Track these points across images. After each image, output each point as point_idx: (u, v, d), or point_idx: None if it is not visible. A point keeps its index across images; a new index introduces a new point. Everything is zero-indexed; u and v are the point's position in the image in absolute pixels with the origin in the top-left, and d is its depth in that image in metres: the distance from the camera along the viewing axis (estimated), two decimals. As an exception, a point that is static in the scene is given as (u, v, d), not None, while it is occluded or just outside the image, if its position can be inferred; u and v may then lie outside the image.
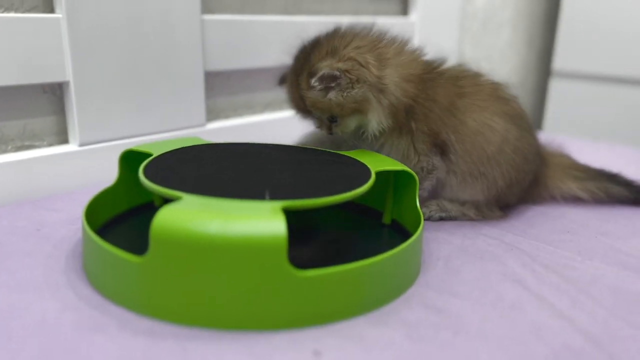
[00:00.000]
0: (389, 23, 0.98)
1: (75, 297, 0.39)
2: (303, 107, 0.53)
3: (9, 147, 0.63)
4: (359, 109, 0.51)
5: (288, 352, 0.34)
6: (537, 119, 1.52)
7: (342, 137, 0.56)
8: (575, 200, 0.64)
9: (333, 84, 0.49)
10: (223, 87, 0.82)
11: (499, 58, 1.40)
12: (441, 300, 0.40)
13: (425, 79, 0.53)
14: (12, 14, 0.59)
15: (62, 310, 0.37)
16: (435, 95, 0.52)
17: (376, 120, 0.51)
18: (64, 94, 0.65)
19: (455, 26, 1.16)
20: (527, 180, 0.58)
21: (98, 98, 0.65)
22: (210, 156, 0.49)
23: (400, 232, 0.51)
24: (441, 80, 0.54)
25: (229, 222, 0.35)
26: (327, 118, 0.53)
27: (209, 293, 0.35)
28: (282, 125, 0.86)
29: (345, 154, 0.52)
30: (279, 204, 0.37)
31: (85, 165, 0.66)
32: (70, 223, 0.52)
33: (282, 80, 0.57)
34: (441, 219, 0.56)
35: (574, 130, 1.33)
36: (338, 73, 0.49)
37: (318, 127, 0.55)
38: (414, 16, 1.05)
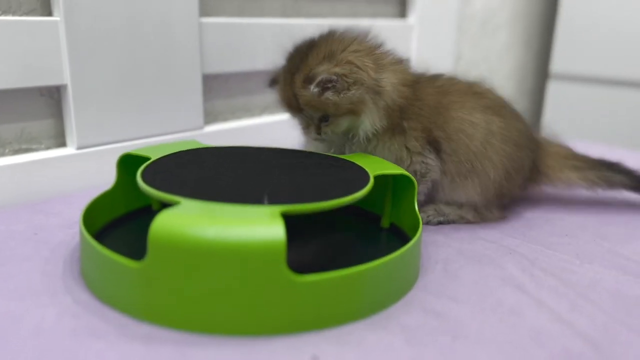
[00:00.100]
0: (387, 26, 0.99)
1: (73, 303, 0.39)
2: (295, 106, 0.53)
3: (7, 151, 0.63)
4: (354, 109, 0.51)
5: (286, 357, 0.34)
6: (534, 121, 1.52)
7: (331, 139, 0.55)
8: (573, 203, 0.64)
9: (329, 85, 0.50)
10: (221, 90, 0.82)
11: (496, 60, 1.40)
12: (440, 304, 0.40)
13: (414, 83, 0.55)
14: (9, 17, 0.59)
15: (60, 315, 0.37)
16: (422, 95, 0.54)
17: (370, 122, 0.52)
18: (61, 97, 0.65)
19: (453, 28, 1.16)
20: (525, 167, 0.58)
21: (96, 101, 0.65)
22: (209, 160, 0.49)
23: (399, 236, 0.51)
24: (423, 83, 0.56)
25: (227, 227, 0.35)
26: (318, 117, 0.53)
27: (207, 298, 0.35)
28: (280, 128, 0.86)
29: (344, 158, 0.52)
30: (277, 209, 0.37)
31: (83, 168, 0.66)
32: (68, 227, 0.52)
33: (273, 82, 0.57)
34: (439, 223, 0.56)
35: (572, 133, 1.33)
36: (335, 77, 0.49)
37: (305, 127, 0.55)
38: (412, 18, 1.05)
